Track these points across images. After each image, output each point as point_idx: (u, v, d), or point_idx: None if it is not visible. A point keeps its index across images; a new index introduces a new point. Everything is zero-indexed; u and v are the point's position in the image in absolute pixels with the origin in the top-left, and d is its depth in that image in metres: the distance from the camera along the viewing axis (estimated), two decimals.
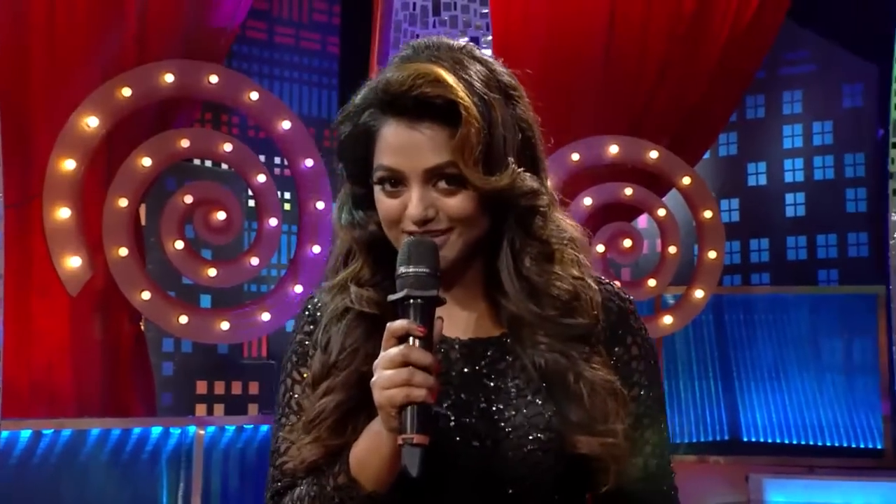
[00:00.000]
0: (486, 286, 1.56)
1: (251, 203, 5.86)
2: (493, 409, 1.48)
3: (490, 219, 1.50)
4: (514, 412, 1.47)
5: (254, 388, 7.30)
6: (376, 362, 1.38)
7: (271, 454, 1.58)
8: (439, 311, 1.42)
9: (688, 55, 5.70)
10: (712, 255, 5.11)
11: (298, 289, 5.08)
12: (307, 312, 1.63)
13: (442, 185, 1.46)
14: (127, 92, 4.86)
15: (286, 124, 5.09)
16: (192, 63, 5.01)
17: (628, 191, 5.16)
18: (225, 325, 5.05)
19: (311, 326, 1.60)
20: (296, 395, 1.58)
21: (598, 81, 5.68)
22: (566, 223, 1.56)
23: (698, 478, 6.28)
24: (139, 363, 5.25)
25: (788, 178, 8.06)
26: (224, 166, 6.47)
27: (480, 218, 1.49)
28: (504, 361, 1.52)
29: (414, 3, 5.03)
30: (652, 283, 5.16)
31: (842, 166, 7.95)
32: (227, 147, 5.04)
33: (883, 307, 6.74)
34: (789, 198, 8.03)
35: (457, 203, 1.46)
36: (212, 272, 5.07)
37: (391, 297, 1.41)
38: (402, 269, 1.41)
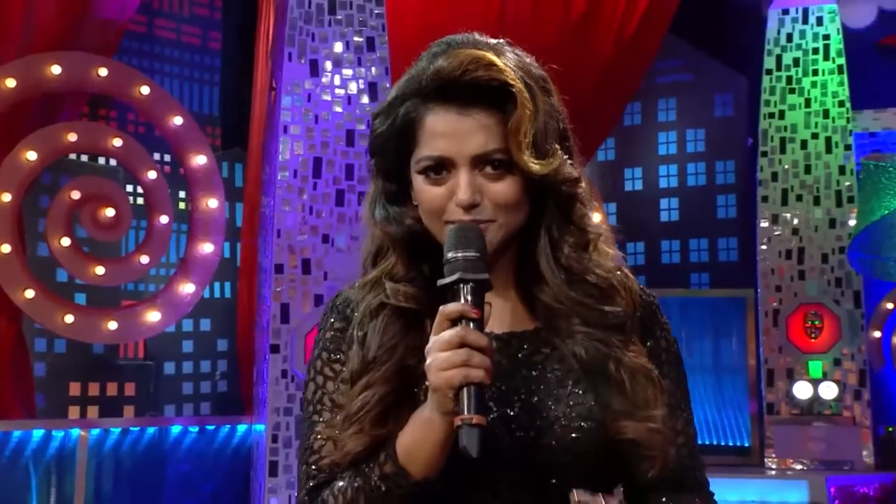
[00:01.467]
0: (518, 279, 1.57)
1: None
2: (535, 399, 1.49)
3: (528, 208, 1.51)
4: (554, 402, 1.48)
5: (130, 389, 7.10)
6: (429, 345, 1.38)
7: (303, 452, 1.56)
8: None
9: (576, 60, 5.81)
10: None
11: (189, 288, 4.99)
12: (336, 311, 1.62)
13: (488, 170, 1.48)
14: (11, 83, 4.69)
15: (178, 120, 4.99)
16: (81, 55, 4.87)
17: None
18: (113, 325, 4.93)
19: (342, 323, 1.59)
20: (329, 392, 1.57)
21: None
22: (592, 216, 1.58)
23: None
24: (19, 364, 5.07)
25: (663, 183, 8.29)
26: (103, 161, 6.29)
27: (522, 206, 1.50)
28: (541, 353, 1.52)
29: (309, 1, 5.00)
30: None
31: (713, 173, 8.23)
32: (117, 142, 4.92)
33: (751, 310, 7.01)
34: (664, 203, 8.27)
35: (503, 188, 1.47)
36: (99, 270, 4.93)
37: (441, 282, 1.41)
38: (450, 255, 1.41)
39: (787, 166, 6.88)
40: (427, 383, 1.39)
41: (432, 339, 1.38)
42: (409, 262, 1.54)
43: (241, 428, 5.31)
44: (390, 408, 1.48)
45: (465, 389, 1.34)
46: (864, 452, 6.45)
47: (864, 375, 6.61)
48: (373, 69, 4.97)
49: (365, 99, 4.94)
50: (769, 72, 7.01)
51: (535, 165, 1.46)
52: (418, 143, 1.50)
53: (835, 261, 6.70)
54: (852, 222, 6.62)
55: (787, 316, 6.76)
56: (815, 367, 6.70)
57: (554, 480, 1.47)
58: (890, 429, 6.67)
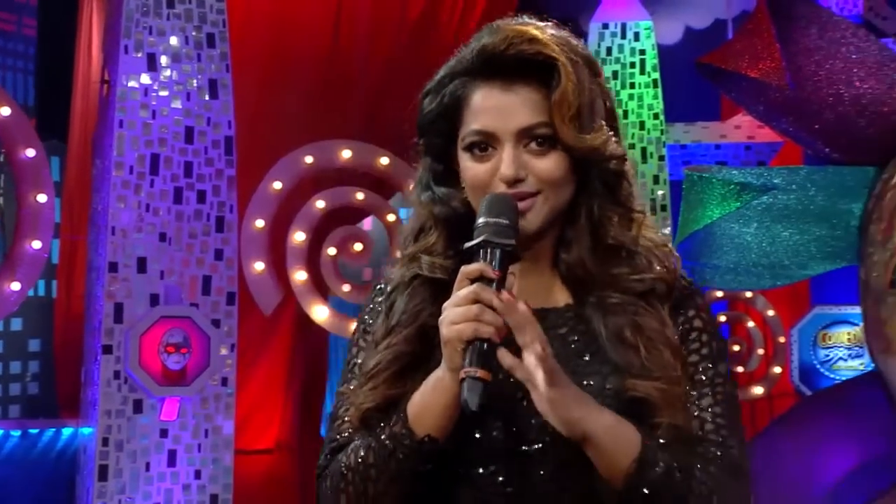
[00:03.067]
0: (555, 256, 1.57)
1: None
2: None
3: (574, 185, 1.53)
4: (570, 375, 1.45)
5: None
6: (447, 302, 1.40)
7: (330, 421, 1.58)
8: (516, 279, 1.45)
9: (413, 62, 5.88)
10: None
11: (15, 286, 4.77)
12: (378, 287, 1.63)
13: (533, 146, 1.50)
14: None
15: (5, 111, 4.77)
16: None
17: (360, 195, 5.26)
18: None
19: (380, 298, 1.61)
20: (359, 363, 1.58)
21: (327, 84, 5.74)
22: (638, 196, 1.59)
23: None
24: None
25: None
26: None
27: (568, 182, 1.52)
28: (566, 326, 1.53)
29: None
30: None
31: None
32: None
33: None
34: None
35: (548, 164, 1.49)
36: None
37: (467, 245, 1.42)
38: (481, 220, 1.43)
39: None
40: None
41: (452, 295, 1.40)
42: (449, 241, 1.56)
43: (67, 431, 5.11)
44: (407, 367, 1.51)
45: (472, 345, 1.36)
46: None
47: None
48: (213, 66, 4.88)
49: (205, 95, 4.84)
50: None
51: (578, 139, 1.48)
52: (464, 121, 1.53)
53: None
54: (667, 230, 6.94)
55: None
56: None
57: (567, 457, 1.46)
58: None
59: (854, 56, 4.33)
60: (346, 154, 5.24)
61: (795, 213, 4.37)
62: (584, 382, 1.47)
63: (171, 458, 4.68)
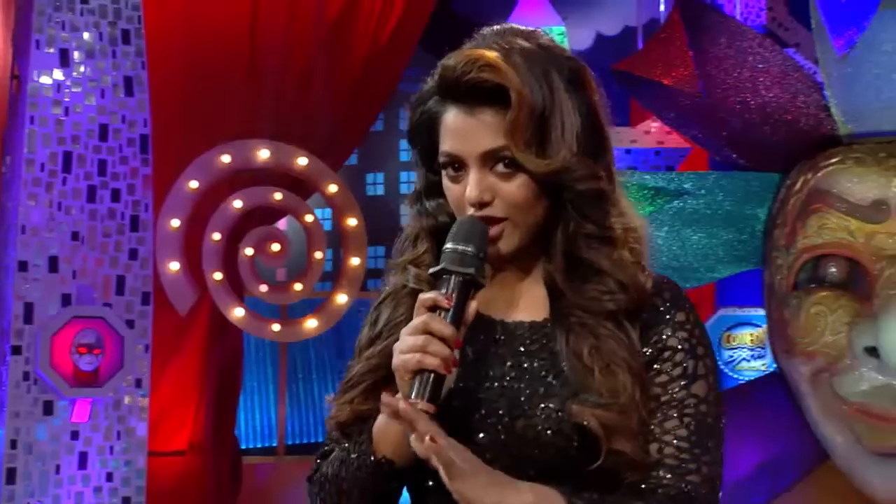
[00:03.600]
0: (545, 270, 1.56)
1: None
2: (516, 387, 1.49)
3: (547, 205, 1.52)
4: (531, 393, 1.47)
5: None
6: (403, 330, 1.43)
7: (326, 422, 1.61)
8: (488, 292, 1.47)
9: (331, 63, 5.88)
10: (356, 261, 5.31)
11: None
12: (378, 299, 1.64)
13: (499, 168, 1.50)
14: None
15: None
16: None
17: (278, 195, 5.24)
18: None
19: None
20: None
21: (243, 83, 5.72)
22: (632, 211, 1.57)
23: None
24: None
25: (405, 189, 8.51)
26: None
27: (536, 204, 1.51)
28: (536, 343, 1.53)
29: None
30: (298, 287, 5.28)
31: None
32: None
33: None
34: (404, 209, 8.49)
35: (513, 187, 1.49)
36: None
37: (431, 270, 1.46)
38: (448, 245, 1.46)
39: None
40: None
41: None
42: (437, 254, 1.53)
43: None
44: (381, 382, 1.50)
45: (418, 375, 1.38)
46: None
47: None
48: (128, 62, 4.83)
49: (120, 93, 4.79)
50: None
51: (537, 163, 1.48)
52: (440, 139, 1.54)
53: None
54: None
55: None
56: None
57: (531, 472, 1.45)
58: None
59: (760, 65, 4.46)
60: (264, 154, 5.22)
61: (704, 218, 4.48)
62: (543, 405, 1.46)
63: (83, 461, 4.62)
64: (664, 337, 1.52)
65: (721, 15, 4.66)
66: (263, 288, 5.19)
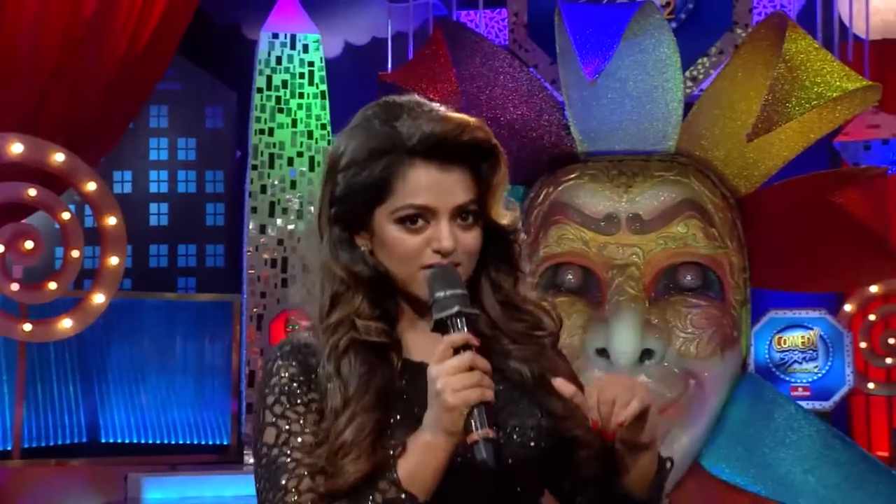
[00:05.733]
0: None
1: None
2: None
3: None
4: (509, 418, 1.64)
5: None
6: (436, 371, 1.51)
7: (276, 492, 1.57)
8: (418, 339, 1.63)
9: (86, 59, 5.79)
10: (114, 260, 5.27)
11: None
12: (291, 356, 1.64)
13: (460, 221, 1.64)
14: None
15: None
16: None
17: (32, 192, 5.12)
18: None
19: (300, 367, 1.63)
20: (296, 433, 1.60)
21: None
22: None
23: (65, 481, 6.32)
24: None
25: (153, 188, 8.42)
26: None
27: (478, 253, 1.68)
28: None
29: None
30: (53, 285, 5.18)
31: (203, 181, 8.51)
32: None
33: (238, 314, 7.38)
34: (153, 207, 8.39)
35: (472, 238, 1.65)
36: None
37: (441, 315, 1.55)
38: (439, 294, 1.57)
39: (275, 181, 7.35)
40: (432, 408, 1.52)
41: (436, 367, 1.52)
42: (374, 303, 1.64)
43: None
44: (383, 431, 1.59)
45: (477, 408, 1.50)
46: None
47: None
48: None
49: None
50: (260, 90, 7.43)
51: (505, 218, 1.67)
52: (394, 195, 1.63)
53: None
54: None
55: (270, 321, 7.20)
56: None
57: (519, 488, 1.64)
58: None
59: (510, 84, 4.78)
60: (17, 148, 5.10)
61: None
62: (526, 423, 1.65)
63: None
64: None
65: (476, 35, 4.95)
66: (14, 287, 5.07)
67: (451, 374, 1.51)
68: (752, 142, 4.44)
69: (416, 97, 1.70)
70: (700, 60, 6.57)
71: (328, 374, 1.61)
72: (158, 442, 7.42)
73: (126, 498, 6.02)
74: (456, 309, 1.55)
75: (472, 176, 1.65)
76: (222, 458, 7.35)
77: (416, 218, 1.64)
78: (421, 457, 1.54)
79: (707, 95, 4.88)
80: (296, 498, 1.56)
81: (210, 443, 7.47)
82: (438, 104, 1.71)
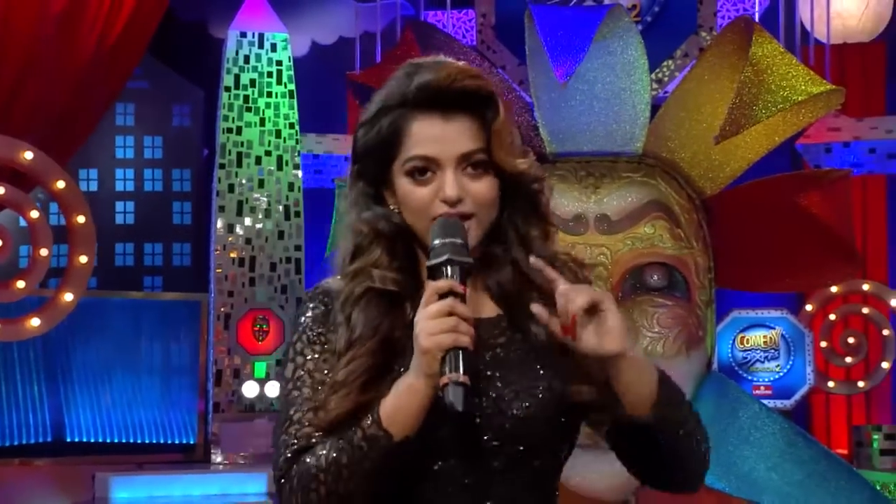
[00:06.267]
0: (481, 270, 1.70)
1: None
2: (499, 376, 1.65)
3: (500, 206, 1.68)
4: (518, 379, 1.64)
5: None
6: (419, 315, 1.54)
7: (282, 423, 1.64)
8: None
9: (55, 57, 5.77)
10: (83, 259, 5.26)
11: None
12: (316, 299, 1.71)
13: (469, 170, 1.65)
14: None
15: None
16: None
17: (0, 190, 5.10)
18: None
19: (322, 308, 1.70)
20: (309, 371, 1.66)
21: None
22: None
23: (31, 481, 6.30)
24: None
25: (119, 186, 8.39)
26: None
27: (496, 203, 1.67)
28: (504, 336, 1.69)
29: None
30: (21, 284, 5.16)
31: (170, 180, 8.49)
32: None
33: (205, 313, 7.38)
34: (119, 206, 8.37)
35: (483, 186, 1.65)
36: None
37: (431, 262, 1.57)
38: (437, 241, 1.58)
39: (243, 180, 7.35)
40: (414, 351, 1.54)
41: (421, 310, 1.55)
42: (391, 255, 1.67)
43: None
44: (375, 374, 1.62)
45: (451, 352, 1.52)
46: None
47: None
48: None
49: None
50: (228, 89, 7.42)
51: (512, 163, 1.65)
52: (403, 148, 1.65)
53: (282, 269, 7.28)
54: (300, 236, 7.28)
55: (238, 320, 7.20)
56: (261, 367, 7.23)
57: (521, 447, 1.64)
58: None
59: None
60: None
61: None
62: (534, 384, 1.65)
63: None
64: None
65: (446, 36, 5.01)
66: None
67: (430, 319, 1.53)
68: (718, 144, 4.50)
69: (442, 56, 1.72)
70: (665, 63, 6.67)
71: (339, 318, 1.67)
72: (124, 441, 7.40)
73: (94, 497, 6.00)
74: (445, 257, 1.57)
75: (481, 125, 1.65)
76: (189, 458, 7.34)
77: (424, 170, 1.65)
78: (403, 397, 1.57)
79: (674, 98, 4.96)
80: (297, 428, 1.63)
81: (176, 442, 7.46)
82: (443, 57, 1.72)
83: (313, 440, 1.61)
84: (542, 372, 1.67)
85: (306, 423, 1.63)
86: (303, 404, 1.65)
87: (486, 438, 1.63)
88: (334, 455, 1.58)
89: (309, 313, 1.72)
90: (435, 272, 1.58)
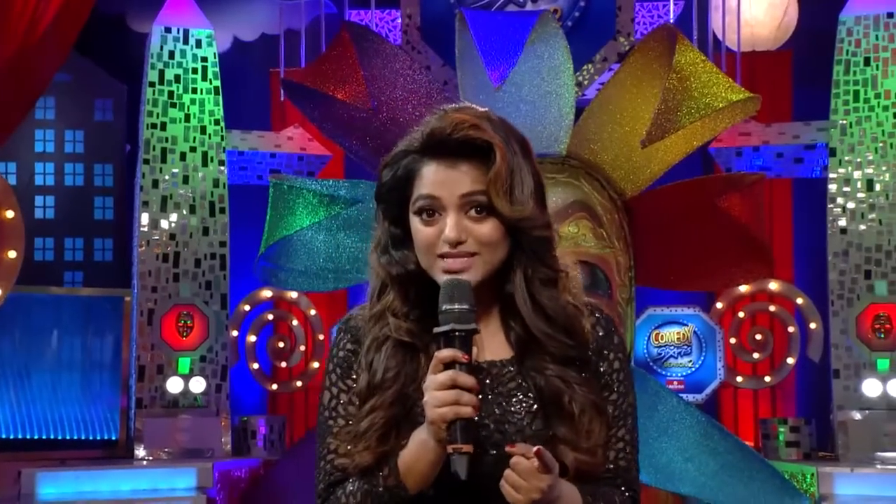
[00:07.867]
0: (500, 310, 1.85)
1: None
2: (504, 422, 1.79)
3: (508, 248, 1.81)
4: (520, 429, 1.78)
5: None
6: (426, 384, 1.70)
7: (322, 450, 1.85)
8: None
9: None
10: (12, 254, 5.24)
11: None
12: (349, 333, 1.89)
13: (472, 213, 1.78)
14: None
15: None
16: None
17: None
18: None
19: (354, 345, 1.87)
20: (342, 403, 1.85)
21: None
22: (559, 257, 1.87)
23: None
24: None
25: (39, 181, 8.31)
26: None
27: (502, 244, 1.80)
28: (514, 382, 1.82)
29: None
30: None
31: (91, 175, 8.43)
32: None
33: (128, 309, 7.36)
34: (39, 200, 8.29)
35: (485, 229, 1.78)
36: None
37: (437, 330, 1.71)
38: (445, 307, 1.72)
39: (167, 176, 7.34)
40: (424, 408, 1.70)
41: (429, 378, 1.69)
42: (406, 299, 1.82)
43: None
44: (392, 427, 1.78)
45: (456, 423, 1.67)
46: (224, 440, 7.13)
47: (225, 371, 7.30)
48: None
49: None
50: (152, 84, 7.40)
51: (510, 209, 1.77)
52: (415, 190, 1.81)
53: (206, 265, 7.30)
54: (225, 232, 7.30)
55: (162, 315, 7.20)
56: (185, 363, 7.23)
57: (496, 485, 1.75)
58: (244, 418, 7.41)
59: (409, 86, 4.94)
60: None
61: (357, 223, 4.89)
62: (529, 434, 1.78)
63: None
64: (611, 359, 1.89)
65: (378, 37, 5.10)
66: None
67: (435, 390, 1.69)
68: (645, 148, 4.68)
69: (466, 103, 1.89)
70: (585, 67, 6.87)
71: (363, 361, 1.84)
72: (46, 437, 7.34)
73: (20, 494, 5.95)
74: (450, 326, 1.70)
75: (486, 171, 1.78)
76: (110, 453, 7.31)
77: (431, 211, 1.80)
78: (417, 452, 1.75)
79: (597, 102, 5.14)
80: (332, 457, 1.83)
81: (98, 438, 7.43)
82: (466, 103, 1.90)
83: (347, 470, 1.81)
84: (539, 424, 1.79)
85: (339, 455, 1.82)
86: (338, 434, 1.83)
87: (490, 481, 1.74)
88: (360, 499, 1.78)
89: (342, 345, 1.89)
90: (442, 337, 1.72)
